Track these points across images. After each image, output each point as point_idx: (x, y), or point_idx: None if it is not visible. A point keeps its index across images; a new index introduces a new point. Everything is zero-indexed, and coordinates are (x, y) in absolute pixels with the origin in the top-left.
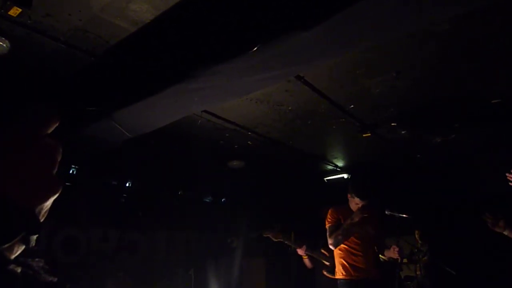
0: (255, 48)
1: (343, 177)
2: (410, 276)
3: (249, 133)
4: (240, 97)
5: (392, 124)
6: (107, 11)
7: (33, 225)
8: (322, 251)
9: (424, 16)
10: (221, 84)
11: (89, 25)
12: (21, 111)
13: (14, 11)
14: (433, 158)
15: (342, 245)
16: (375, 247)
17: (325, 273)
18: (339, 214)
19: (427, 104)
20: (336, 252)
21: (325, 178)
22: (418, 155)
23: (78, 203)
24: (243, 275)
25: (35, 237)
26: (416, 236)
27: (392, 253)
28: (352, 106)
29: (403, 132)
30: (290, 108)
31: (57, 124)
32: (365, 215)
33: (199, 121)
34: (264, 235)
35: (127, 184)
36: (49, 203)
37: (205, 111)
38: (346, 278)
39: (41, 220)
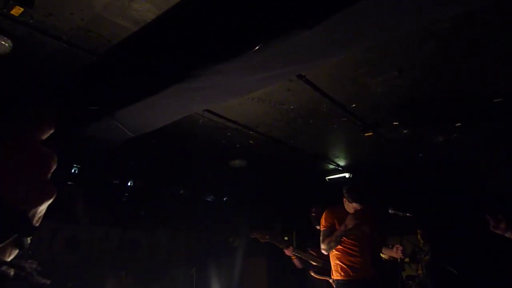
0: (256, 48)
1: (344, 176)
2: (411, 275)
3: (251, 132)
4: (241, 96)
5: (394, 123)
6: (109, 10)
7: (25, 227)
8: (310, 251)
9: (424, 15)
10: (222, 83)
11: (91, 24)
12: (17, 114)
13: (16, 11)
14: (435, 158)
15: (340, 246)
16: (372, 247)
17: (312, 273)
18: (334, 217)
19: (429, 103)
20: (333, 253)
21: (326, 178)
22: (420, 155)
23: (79, 202)
24: (245, 274)
25: (29, 240)
26: (418, 235)
27: (395, 252)
28: (354, 105)
29: (405, 131)
30: (291, 107)
31: (52, 130)
32: (358, 221)
33: (201, 120)
34: (252, 236)
35: (129, 183)
36: (43, 208)
37: (207, 110)
38: (344, 278)
39: (36, 225)
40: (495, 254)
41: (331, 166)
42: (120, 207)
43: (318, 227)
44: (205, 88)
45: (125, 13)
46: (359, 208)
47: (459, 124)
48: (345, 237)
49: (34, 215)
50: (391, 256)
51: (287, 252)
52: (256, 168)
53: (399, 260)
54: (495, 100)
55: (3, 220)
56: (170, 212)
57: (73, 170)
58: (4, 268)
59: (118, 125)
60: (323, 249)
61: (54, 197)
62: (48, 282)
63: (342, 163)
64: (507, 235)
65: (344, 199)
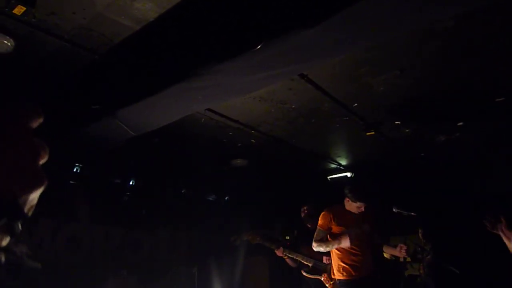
0: (258, 47)
1: (346, 175)
2: (413, 275)
3: (252, 131)
4: (243, 95)
5: (396, 122)
6: (111, 9)
7: (15, 212)
8: (302, 251)
9: (424, 16)
10: (224, 83)
11: (93, 24)
12: (4, 104)
13: (19, 10)
14: (437, 157)
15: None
16: (373, 246)
17: (303, 273)
18: (331, 218)
19: (431, 103)
20: (334, 253)
21: (328, 177)
22: (422, 154)
23: (81, 201)
24: (246, 273)
25: (20, 227)
26: (420, 234)
27: (398, 252)
28: (355, 104)
29: (406, 130)
30: (293, 106)
31: (42, 119)
32: (353, 242)
33: (202, 120)
34: (243, 239)
35: (131, 183)
36: (34, 196)
37: (209, 110)
38: (346, 278)
39: (27, 214)
40: (497, 254)
41: (333, 166)
42: (121, 206)
43: (309, 225)
44: (206, 88)
45: (127, 12)
46: (362, 207)
47: (461, 123)
48: None
49: (24, 203)
50: (393, 255)
51: (278, 252)
52: (258, 167)
53: (401, 259)
54: (497, 100)
55: None
56: (171, 211)
57: (75, 169)
58: None
59: (120, 124)
60: (314, 247)
61: (44, 185)
62: (39, 266)
63: (343, 162)
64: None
65: (347, 199)
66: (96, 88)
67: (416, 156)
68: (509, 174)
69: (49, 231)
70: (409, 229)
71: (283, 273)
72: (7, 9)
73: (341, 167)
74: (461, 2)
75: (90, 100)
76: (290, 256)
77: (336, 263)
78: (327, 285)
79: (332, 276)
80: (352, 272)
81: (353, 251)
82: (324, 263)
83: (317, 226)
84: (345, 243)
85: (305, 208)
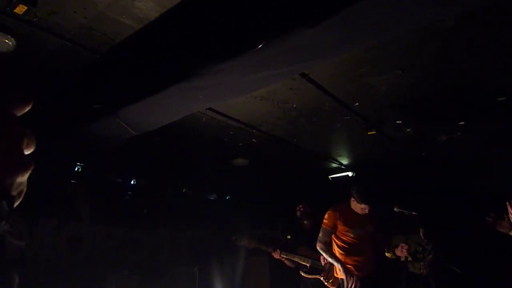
0: (259, 46)
1: (347, 175)
2: (415, 274)
3: (254, 130)
4: (244, 95)
5: (397, 122)
6: (112, 9)
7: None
8: (299, 251)
9: (425, 15)
10: (225, 82)
11: (94, 23)
12: None
13: (20, 9)
14: (438, 157)
15: (344, 246)
16: (375, 246)
17: (302, 273)
18: (337, 217)
19: (432, 102)
20: (338, 252)
21: (329, 176)
22: (423, 153)
23: (82, 201)
24: (247, 272)
25: (6, 208)
26: (421, 234)
27: (400, 251)
28: (357, 104)
29: (408, 130)
30: (294, 106)
31: (29, 107)
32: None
33: (204, 119)
34: (239, 244)
35: (132, 182)
36: (20, 180)
37: (210, 109)
38: None
39: (16, 197)
40: (498, 253)
41: (334, 165)
42: (122, 205)
43: (306, 223)
44: (207, 87)
45: (128, 12)
46: (367, 209)
47: (462, 123)
48: (349, 237)
49: (11, 186)
50: (395, 255)
51: (275, 255)
52: (259, 167)
53: (402, 258)
54: (498, 99)
55: None
56: (173, 210)
57: (76, 169)
58: None
59: (121, 124)
60: (318, 247)
61: (30, 169)
62: (23, 244)
63: (344, 161)
64: (511, 233)
65: (352, 199)
66: (97, 88)
67: (417, 156)
68: (509, 174)
69: (50, 231)
70: (410, 228)
71: (283, 272)
72: (8, 8)
73: (342, 167)
74: (462, 2)
75: (91, 99)
76: (287, 257)
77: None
78: (326, 283)
79: (335, 275)
80: (354, 272)
81: (356, 251)
82: (322, 263)
83: (322, 225)
84: (341, 273)
85: (301, 206)
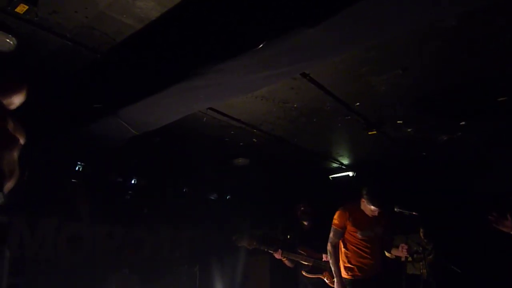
0: (260, 45)
1: (348, 175)
2: (415, 274)
3: (254, 130)
4: (245, 94)
5: (398, 122)
6: (113, 8)
7: None
8: (300, 251)
9: (425, 15)
10: (226, 81)
11: (95, 22)
12: None
13: (21, 8)
14: (439, 157)
15: (351, 246)
16: (382, 247)
17: (304, 273)
18: (347, 217)
19: (433, 102)
20: (343, 252)
21: (330, 176)
22: (424, 153)
23: (83, 200)
24: (248, 272)
25: None
26: (421, 234)
27: (400, 251)
28: (358, 103)
29: (409, 130)
30: (295, 105)
31: (22, 92)
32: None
33: (204, 119)
34: (239, 245)
35: (132, 182)
36: (10, 157)
37: (210, 109)
38: (350, 278)
39: (6, 174)
40: (499, 253)
41: (335, 165)
42: (123, 205)
43: (306, 222)
44: (208, 87)
45: (129, 11)
46: (376, 212)
47: (463, 123)
48: (357, 238)
49: (1, 159)
50: (395, 255)
51: (277, 255)
52: (259, 167)
53: (402, 259)
54: (499, 99)
55: None
56: (173, 210)
57: (76, 168)
58: None
59: (122, 123)
60: (327, 247)
61: (16, 146)
62: (6, 220)
63: (345, 161)
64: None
65: (363, 200)
66: (98, 87)
67: (417, 156)
68: (509, 174)
69: (51, 230)
70: (411, 228)
71: (284, 273)
72: (9, 8)
73: (343, 167)
74: (462, 2)
75: (91, 99)
76: (290, 257)
77: (343, 262)
78: (327, 282)
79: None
80: (357, 272)
81: (362, 253)
82: (324, 261)
83: (333, 226)
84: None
85: (300, 206)
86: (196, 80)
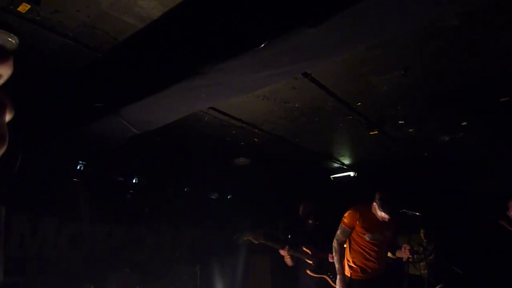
0: (262, 45)
1: (349, 175)
2: (415, 275)
3: (255, 130)
4: (246, 94)
5: (399, 122)
6: (115, 7)
7: None
8: (304, 249)
9: (426, 14)
10: (228, 81)
11: (97, 22)
12: None
13: (23, 7)
14: (440, 157)
15: (357, 247)
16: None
17: (308, 272)
18: (357, 217)
19: (434, 102)
20: (348, 250)
21: (331, 176)
22: (425, 154)
23: (84, 199)
24: (248, 271)
25: None
26: (421, 234)
27: (403, 252)
28: (359, 103)
29: (410, 130)
30: (296, 105)
31: (8, 62)
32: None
33: (206, 118)
34: (245, 238)
35: (133, 181)
36: None
37: (212, 108)
38: (352, 277)
39: None
40: (500, 254)
41: (336, 165)
42: (124, 204)
43: (309, 222)
44: (210, 86)
45: (131, 10)
46: (386, 218)
47: (465, 123)
48: (364, 240)
49: None
50: (396, 255)
51: (283, 252)
52: (261, 166)
53: (404, 259)
54: (502, 99)
55: None
56: (174, 209)
57: (78, 167)
58: None
59: (123, 122)
60: (333, 243)
61: (5, 109)
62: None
63: (346, 161)
64: None
65: (375, 204)
66: (99, 86)
67: (419, 156)
68: (509, 174)
69: (52, 229)
70: (412, 228)
71: (285, 272)
72: (11, 7)
73: (344, 166)
74: (462, 1)
75: (93, 98)
76: (295, 255)
77: (347, 261)
78: (330, 282)
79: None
80: (360, 273)
81: (368, 256)
82: (329, 261)
83: (342, 224)
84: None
85: (303, 206)
86: (197, 79)
